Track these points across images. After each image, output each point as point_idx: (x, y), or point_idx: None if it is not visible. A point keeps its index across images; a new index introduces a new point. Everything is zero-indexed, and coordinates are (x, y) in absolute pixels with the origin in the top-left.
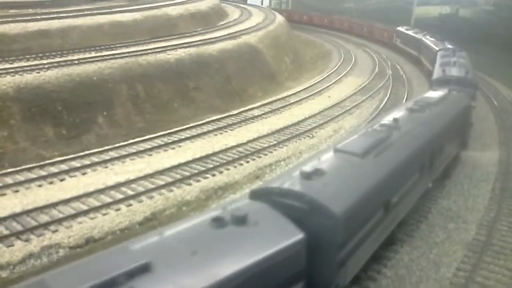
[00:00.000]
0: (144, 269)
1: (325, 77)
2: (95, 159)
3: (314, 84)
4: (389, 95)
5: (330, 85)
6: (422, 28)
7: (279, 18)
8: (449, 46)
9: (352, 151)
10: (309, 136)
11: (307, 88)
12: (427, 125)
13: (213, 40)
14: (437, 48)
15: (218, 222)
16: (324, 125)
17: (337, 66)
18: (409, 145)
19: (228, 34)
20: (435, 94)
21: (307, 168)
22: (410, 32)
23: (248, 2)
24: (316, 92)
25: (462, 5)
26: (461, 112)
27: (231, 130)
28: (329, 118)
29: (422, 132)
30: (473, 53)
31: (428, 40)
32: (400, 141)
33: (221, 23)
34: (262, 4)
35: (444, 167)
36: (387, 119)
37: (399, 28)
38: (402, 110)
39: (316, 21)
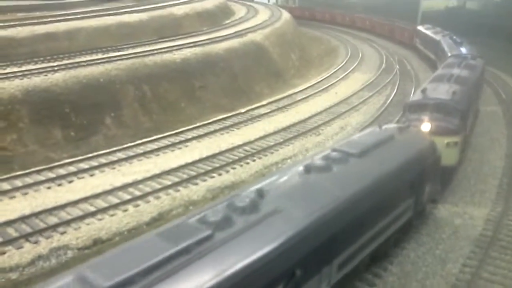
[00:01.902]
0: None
1: (331, 74)
2: (102, 160)
3: (321, 81)
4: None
5: (337, 81)
6: (446, 27)
7: (286, 15)
8: (464, 51)
9: None
10: (315, 134)
11: (313, 85)
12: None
13: (219, 39)
14: (449, 54)
15: None
16: (331, 122)
17: (344, 62)
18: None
19: (234, 32)
20: (372, 134)
21: None
22: (429, 32)
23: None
24: (322, 89)
25: None
26: (413, 164)
27: (238, 129)
28: (335, 115)
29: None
30: (481, 46)
31: (446, 43)
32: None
33: (227, 21)
34: (268, 1)
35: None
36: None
37: (419, 27)
38: (289, 173)
39: (339, 19)
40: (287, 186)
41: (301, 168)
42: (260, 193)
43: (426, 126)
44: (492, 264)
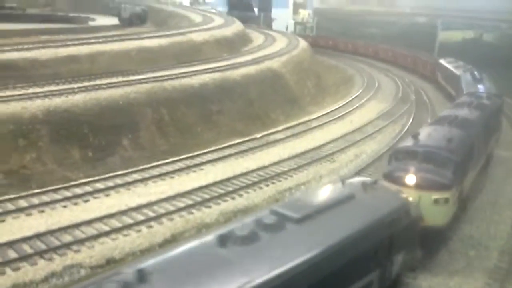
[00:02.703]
0: None
1: (347, 102)
2: (118, 181)
3: (337, 108)
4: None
5: (352, 109)
6: (463, 58)
7: (302, 43)
8: (481, 89)
9: None
10: (329, 161)
11: (329, 112)
12: None
13: (236, 65)
14: (464, 91)
15: None
16: (346, 150)
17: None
18: None
19: (252, 59)
20: (326, 191)
21: None
22: (450, 66)
23: (273, 28)
24: (338, 117)
25: (486, 29)
26: (377, 230)
27: (253, 153)
28: (350, 143)
29: None
30: (498, 77)
31: (464, 79)
32: None
33: (245, 48)
34: (286, 30)
35: None
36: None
37: (441, 61)
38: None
39: (362, 50)
40: (184, 265)
41: (212, 238)
42: (141, 276)
43: (410, 179)
44: None
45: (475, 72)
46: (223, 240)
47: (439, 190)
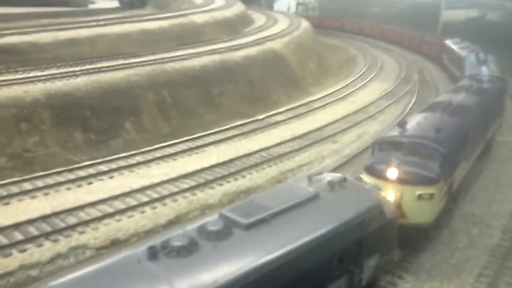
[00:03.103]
0: None
1: (349, 83)
2: (122, 163)
3: (339, 89)
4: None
5: (354, 90)
6: (466, 37)
7: (304, 24)
8: (484, 71)
9: None
10: (332, 142)
11: (331, 93)
12: None
13: (238, 46)
14: (466, 74)
15: None
16: (348, 131)
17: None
18: None
19: (253, 40)
20: (286, 191)
21: None
22: (455, 47)
23: (275, 9)
24: (340, 98)
25: (490, 8)
26: (344, 233)
27: (255, 135)
28: (352, 124)
29: None
30: (502, 57)
31: (468, 61)
32: None
33: (247, 29)
34: (288, 10)
35: None
36: None
37: (447, 41)
38: None
39: (368, 30)
40: (101, 285)
41: (142, 250)
42: None
43: (392, 172)
44: None
45: (480, 54)
46: (154, 253)
47: (423, 184)
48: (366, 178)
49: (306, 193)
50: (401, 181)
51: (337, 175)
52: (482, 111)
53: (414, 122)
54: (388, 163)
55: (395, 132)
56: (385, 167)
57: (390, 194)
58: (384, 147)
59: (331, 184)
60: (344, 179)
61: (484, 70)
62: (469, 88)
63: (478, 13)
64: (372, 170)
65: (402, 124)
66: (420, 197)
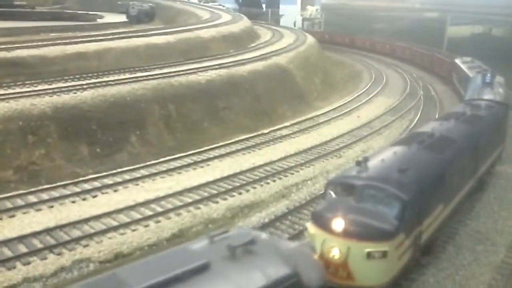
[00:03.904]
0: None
1: (354, 97)
2: (126, 176)
3: (344, 104)
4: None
5: (359, 105)
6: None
7: (310, 39)
8: (487, 96)
9: None
10: (336, 156)
11: (336, 108)
12: None
13: (243, 61)
14: (467, 97)
15: None
16: (353, 145)
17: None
18: None
19: (259, 55)
20: (169, 258)
21: None
22: (464, 67)
23: (281, 24)
24: (345, 112)
25: (495, 24)
26: None
27: (260, 149)
28: (357, 138)
29: None
30: (506, 72)
31: (473, 82)
32: None
33: (253, 44)
34: (294, 26)
35: None
36: None
37: (457, 60)
38: None
39: (379, 48)
40: None
41: None
42: None
43: (338, 224)
44: None
45: (488, 75)
46: None
47: (374, 239)
48: (311, 228)
49: (192, 262)
50: (347, 234)
51: (247, 233)
52: (471, 144)
53: (378, 159)
54: (335, 211)
55: (352, 171)
56: (331, 216)
57: (335, 251)
58: (338, 189)
59: (231, 249)
60: (252, 241)
61: (486, 93)
62: (461, 116)
63: (484, 29)
64: (318, 219)
65: (362, 162)
66: (369, 255)
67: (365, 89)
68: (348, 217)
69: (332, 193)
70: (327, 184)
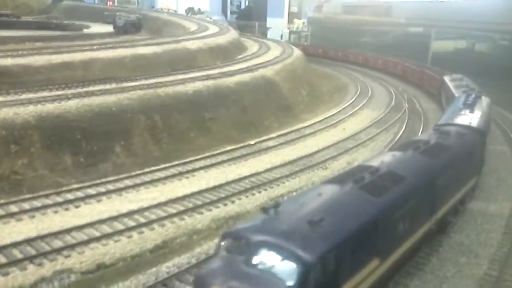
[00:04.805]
0: None
1: (340, 110)
2: (110, 187)
3: (330, 116)
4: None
5: (345, 117)
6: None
7: (297, 52)
8: (463, 121)
9: None
10: (322, 168)
11: (322, 120)
12: None
13: (230, 73)
14: (441, 121)
15: None
16: (338, 157)
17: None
18: None
19: (246, 67)
20: None
21: None
22: (451, 85)
23: (268, 36)
24: (331, 124)
25: (478, 39)
26: None
27: (245, 160)
28: (343, 150)
29: None
30: (490, 87)
31: (454, 104)
32: None
33: (240, 56)
34: (281, 38)
35: None
36: None
37: (445, 77)
38: None
39: (372, 62)
40: None
41: None
42: None
43: None
44: None
45: (472, 95)
46: None
47: None
48: None
49: None
50: None
51: None
52: (427, 180)
53: (293, 204)
54: (215, 277)
55: (257, 221)
56: (208, 284)
57: None
58: (231, 244)
59: None
60: None
61: (463, 118)
62: (421, 146)
63: (467, 44)
64: (197, 285)
65: (270, 208)
66: None
67: (350, 101)
68: (228, 285)
69: (224, 249)
70: (221, 237)
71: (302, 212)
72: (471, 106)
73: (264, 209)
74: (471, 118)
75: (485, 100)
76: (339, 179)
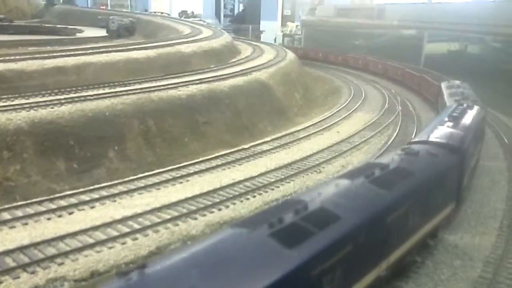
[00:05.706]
0: None
1: (334, 113)
2: (104, 193)
3: (324, 119)
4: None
5: (339, 120)
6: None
7: (290, 55)
8: (437, 141)
9: None
10: (316, 171)
11: (316, 123)
12: None
13: (224, 76)
14: (417, 138)
15: None
16: (332, 161)
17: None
18: None
19: (240, 70)
20: None
21: None
22: (446, 93)
23: (262, 39)
24: (325, 127)
25: (471, 41)
26: None
27: (240, 164)
28: (337, 153)
29: None
30: (482, 88)
31: (444, 113)
32: None
33: (233, 60)
34: (275, 41)
35: None
36: None
37: (442, 84)
38: None
39: (372, 67)
40: None
41: None
42: None
43: None
44: None
45: (463, 105)
46: None
47: None
48: None
49: None
50: None
51: None
52: (372, 219)
53: (167, 262)
54: None
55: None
56: None
57: None
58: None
59: None
60: None
61: (441, 133)
62: (375, 173)
63: (460, 46)
64: None
65: (130, 272)
66: None
67: (344, 104)
68: None
69: None
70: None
71: (180, 272)
72: (455, 119)
73: (119, 274)
74: (450, 134)
75: (477, 111)
76: (247, 223)
